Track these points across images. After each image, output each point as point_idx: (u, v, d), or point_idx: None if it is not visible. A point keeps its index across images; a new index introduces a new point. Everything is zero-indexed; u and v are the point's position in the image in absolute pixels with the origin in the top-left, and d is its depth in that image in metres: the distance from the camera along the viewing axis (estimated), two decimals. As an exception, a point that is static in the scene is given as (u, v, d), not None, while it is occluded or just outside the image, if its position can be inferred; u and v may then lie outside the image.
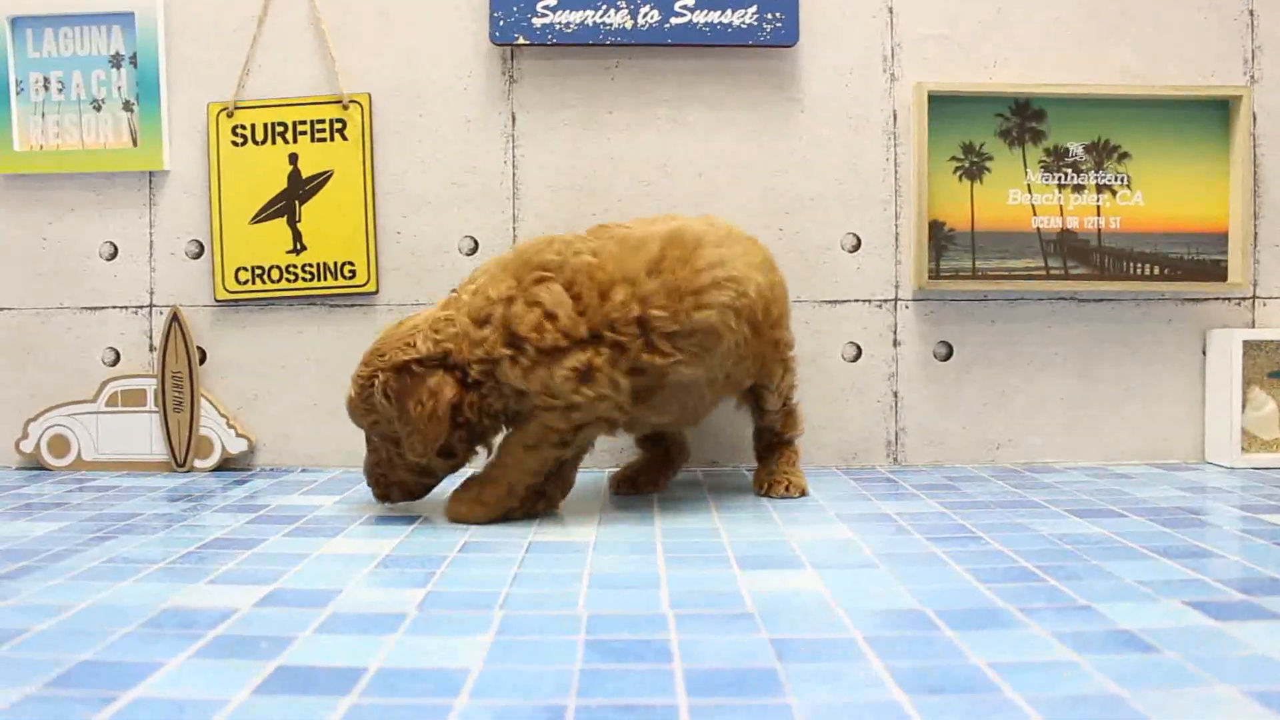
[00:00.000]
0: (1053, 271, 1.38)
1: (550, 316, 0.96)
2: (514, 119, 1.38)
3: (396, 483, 1.07)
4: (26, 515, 1.08)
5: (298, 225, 1.38)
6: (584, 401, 0.97)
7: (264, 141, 1.39)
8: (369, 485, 1.07)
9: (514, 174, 1.38)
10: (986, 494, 1.16)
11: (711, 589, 0.77)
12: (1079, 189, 1.38)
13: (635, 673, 0.59)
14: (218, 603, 0.75)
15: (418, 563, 0.87)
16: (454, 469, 1.07)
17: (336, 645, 0.65)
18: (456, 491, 1.04)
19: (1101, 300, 1.39)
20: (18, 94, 1.41)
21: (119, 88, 1.40)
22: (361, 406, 1.03)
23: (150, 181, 1.41)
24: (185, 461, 1.38)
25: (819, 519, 1.04)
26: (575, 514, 1.08)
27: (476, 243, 1.38)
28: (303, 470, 1.39)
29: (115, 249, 1.40)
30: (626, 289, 0.97)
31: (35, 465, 1.40)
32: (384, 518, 1.06)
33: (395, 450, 1.04)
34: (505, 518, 1.03)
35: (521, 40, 1.34)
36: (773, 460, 1.19)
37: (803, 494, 1.16)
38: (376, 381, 1.00)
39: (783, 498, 1.15)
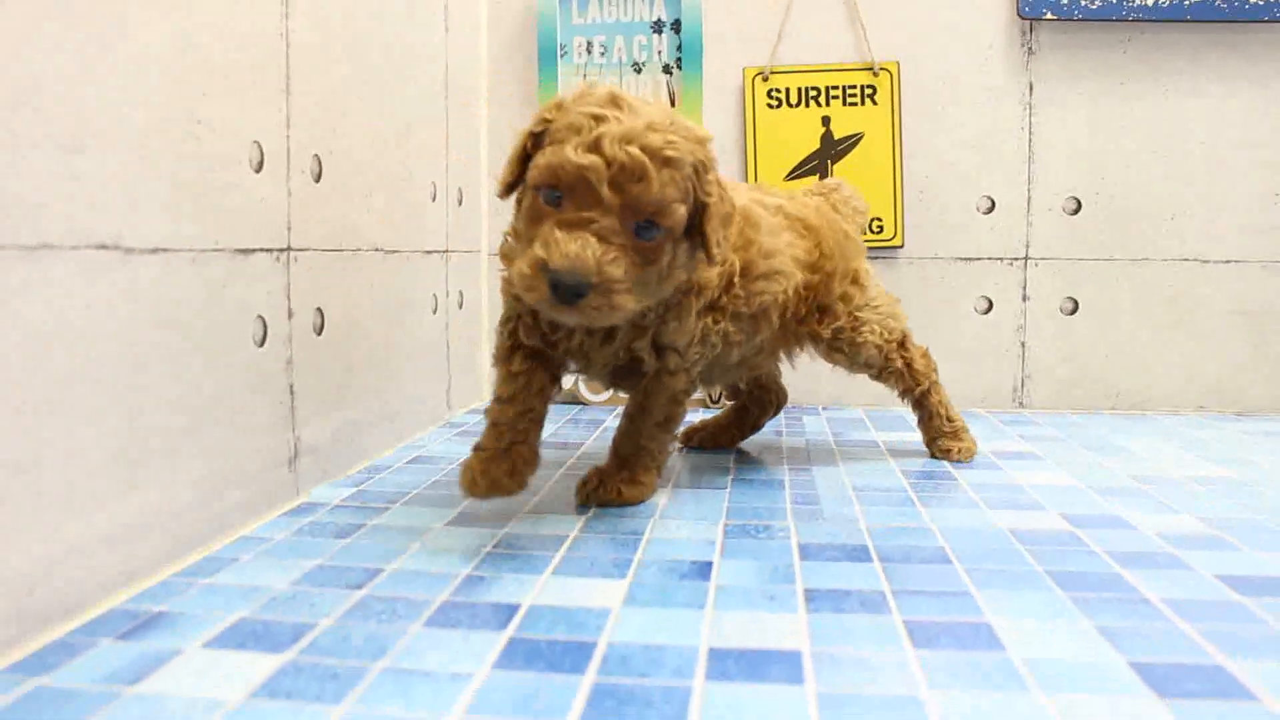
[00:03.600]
0: None
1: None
2: (1031, 88, 1.49)
3: None
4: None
5: (830, 182, 1.47)
6: (698, 364, 0.91)
7: (798, 105, 1.49)
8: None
9: (1030, 139, 1.49)
10: None
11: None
12: None
13: None
14: None
15: None
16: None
17: None
18: (604, 479, 0.92)
19: None
20: (562, 57, 1.50)
21: (659, 52, 1.50)
22: None
23: (685, 140, 1.49)
24: (719, 400, 1.46)
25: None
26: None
27: (993, 202, 1.49)
28: (824, 409, 1.48)
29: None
30: (730, 256, 0.88)
31: (572, 400, 1.48)
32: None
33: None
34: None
35: (1050, 15, 1.45)
36: (923, 421, 1.16)
37: (971, 457, 1.14)
38: None
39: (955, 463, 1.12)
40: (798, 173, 1.48)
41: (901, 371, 1.11)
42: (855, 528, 0.84)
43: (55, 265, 0.60)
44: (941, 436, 1.14)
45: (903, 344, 1.11)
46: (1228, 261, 1.47)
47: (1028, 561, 0.75)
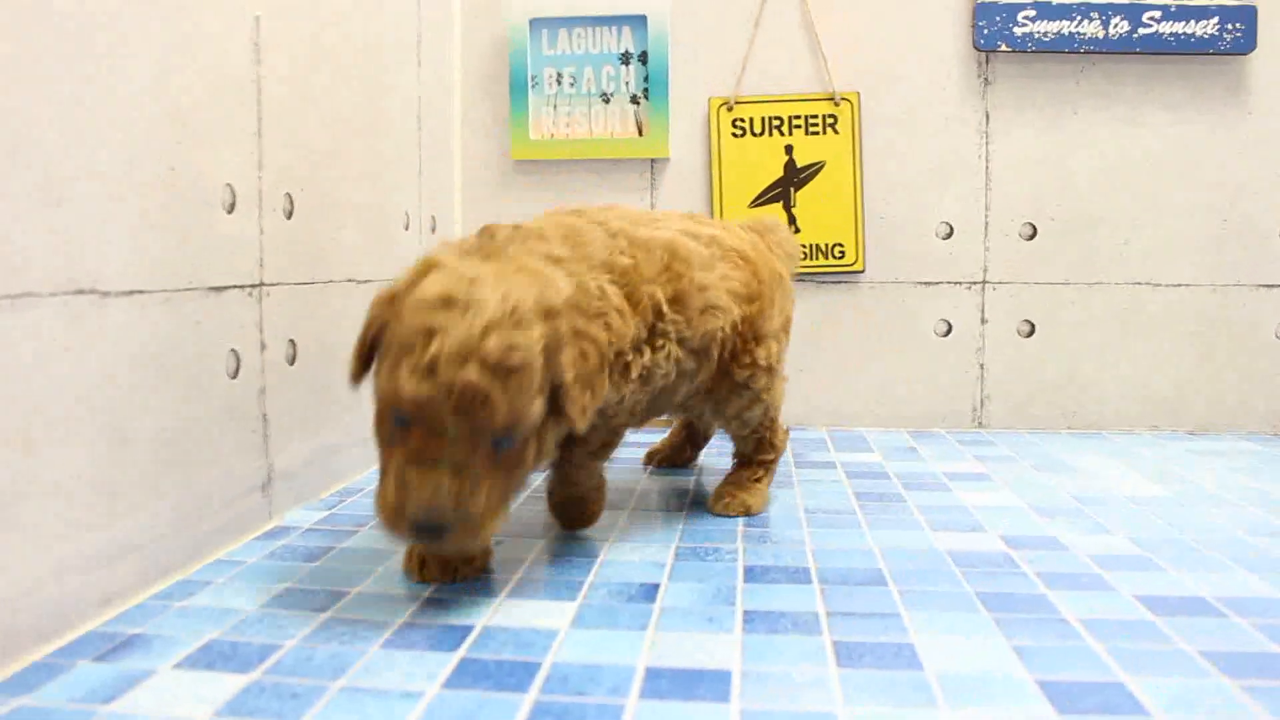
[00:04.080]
0: None
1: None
2: (988, 117, 1.54)
3: None
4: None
5: (793, 209, 1.53)
6: (640, 400, 0.88)
7: (762, 133, 1.54)
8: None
9: (986, 166, 1.54)
10: None
11: None
12: None
13: None
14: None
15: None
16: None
17: None
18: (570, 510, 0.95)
19: None
20: (533, 87, 1.55)
21: (627, 83, 1.55)
22: None
23: (652, 168, 1.55)
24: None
25: None
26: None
27: (952, 228, 1.54)
28: (788, 428, 1.51)
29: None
30: (650, 289, 0.84)
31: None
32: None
33: None
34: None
35: (1004, 47, 1.51)
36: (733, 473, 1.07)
37: (748, 513, 1.03)
38: None
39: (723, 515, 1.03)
40: (762, 200, 1.53)
41: (765, 440, 1.05)
42: (800, 550, 0.89)
43: (37, 311, 0.64)
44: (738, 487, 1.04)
45: (775, 419, 1.05)
46: (1178, 285, 1.52)
47: (960, 582, 0.80)
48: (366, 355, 0.73)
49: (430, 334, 0.66)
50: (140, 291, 0.75)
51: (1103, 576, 0.81)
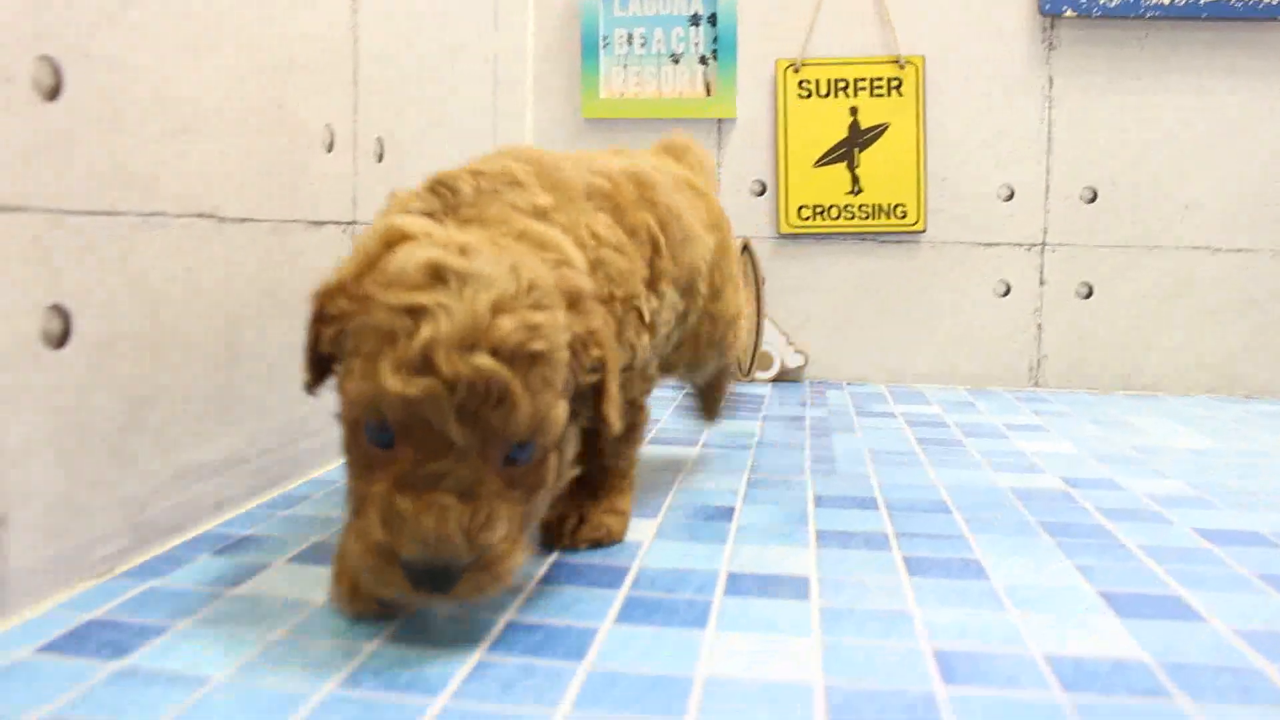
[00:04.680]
0: None
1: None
2: (1051, 82, 1.56)
3: None
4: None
5: (856, 170, 1.56)
6: (652, 360, 0.74)
7: (827, 95, 1.57)
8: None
9: (1049, 130, 1.56)
10: None
11: None
12: None
13: None
14: None
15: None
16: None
17: None
18: (585, 515, 0.75)
19: None
20: (604, 48, 1.59)
21: (696, 44, 1.58)
22: None
23: (719, 128, 1.59)
24: (749, 372, 1.55)
25: None
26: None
27: (1012, 190, 1.56)
28: (847, 384, 1.57)
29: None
30: (641, 215, 0.70)
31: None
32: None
33: None
34: None
35: (1069, 12, 1.53)
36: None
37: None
38: None
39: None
40: (826, 159, 1.56)
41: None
42: (867, 483, 0.93)
43: (166, 230, 0.70)
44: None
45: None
46: (1237, 250, 1.54)
47: (1022, 513, 0.84)
48: (320, 360, 0.56)
49: (419, 316, 0.48)
50: (251, 220, 0.80)
51: (1160, 513, 0.85)
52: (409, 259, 0.50)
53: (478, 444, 0.49)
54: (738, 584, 0.66)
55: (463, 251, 0.51)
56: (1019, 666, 0.53)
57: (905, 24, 1.55)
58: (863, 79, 1.55)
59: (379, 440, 0.50)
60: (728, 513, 0.82)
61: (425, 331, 0.47)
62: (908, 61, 1.55)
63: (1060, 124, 1.54)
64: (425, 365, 0.47)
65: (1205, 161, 1.52)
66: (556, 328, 0.51)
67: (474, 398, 0.48)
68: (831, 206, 1.55)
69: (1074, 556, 0.72)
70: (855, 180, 1.55)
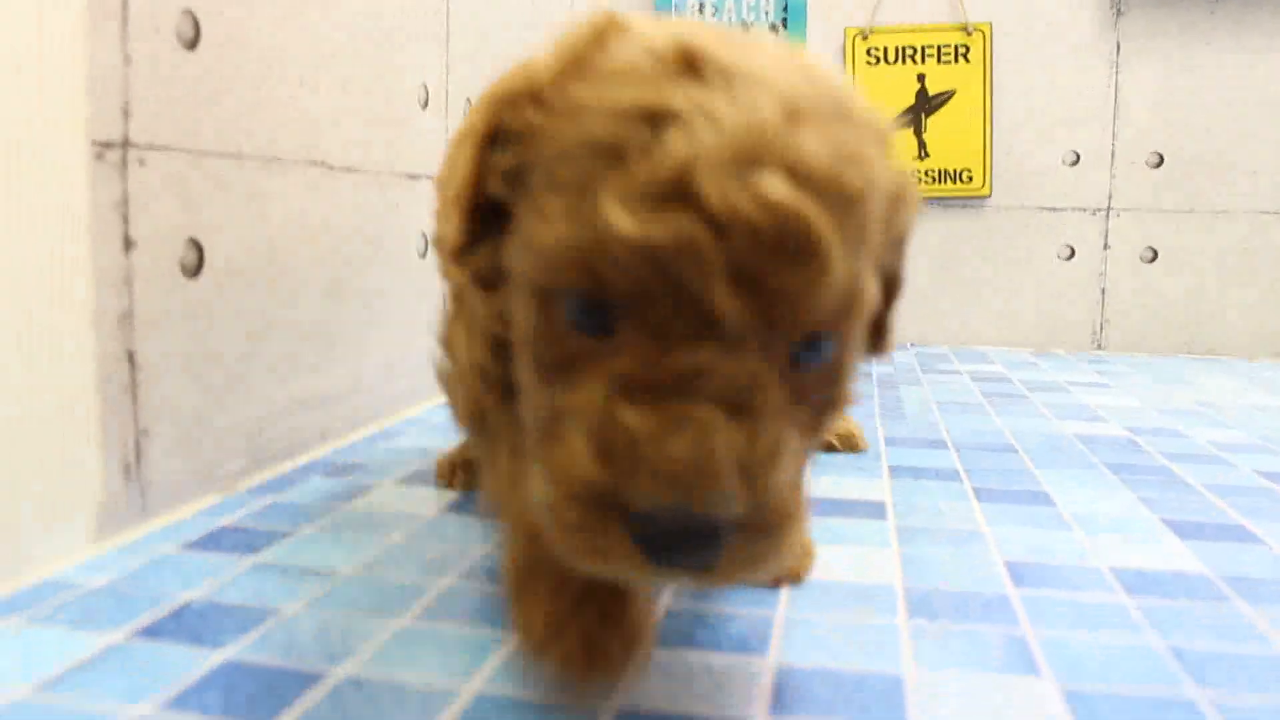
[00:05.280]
0: None
1: None
2: (1118, 47, 1.57)
3: None
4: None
5: (923, 135, 1.59)
6: None
7: (895, 62, 1.60)
8: None
9: (1115, 95, 1.58)
10: None
11: None
12: None
13: None
14: None
15: None
16: None
17: None
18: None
19: None
20: (676, 14, 1.62)
21: (766, 12, 1.61)
22: None
23: (787, 94, 1.61)
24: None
25: None
26: None
27: (1078, 155, 1.58)
28: (912, 345, 1.59)
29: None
30: None
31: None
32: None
33: None
34: None
35: (1138, -23, 1.53)
36: None
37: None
38: None
39: None
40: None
41: None
42: (935, 428, 0.97)
43: (284, 176, 0.75)
44: None
45: None
46: (1305, 215, 1.55)
47: (1086, 456, 0.87)
48: (478, 203, 0.36)
49: (666, 123, 0.30)
50: (356, 170, 0.85)
51: (1223, 457, 0.88)
52: (642, 45, 0.32)
53: (759, 327, 0.30)
54: (817, 507, 0.70)
55: (723, 42, 0.32)
56: (1085, 576, 0.57)
57: (973, -9, 1.57)
58: (930, 46, 1.58)
59: (588, 322, 0.31)
60: (803, 450, 0.86)
61: (677, 145, 0.29)
62: (975, 28, 1.57)
63: (1127, 89, 1.56)
64: (678, 194, 0.29)
65: (1274, 126, 1.53)
66: (876, 161, 0.32)
67: (759, 249, 0.29)
68: (898, 171, 1.58)
69: (1138, 490, 0.76)
70: (922, 145, 1.58)
